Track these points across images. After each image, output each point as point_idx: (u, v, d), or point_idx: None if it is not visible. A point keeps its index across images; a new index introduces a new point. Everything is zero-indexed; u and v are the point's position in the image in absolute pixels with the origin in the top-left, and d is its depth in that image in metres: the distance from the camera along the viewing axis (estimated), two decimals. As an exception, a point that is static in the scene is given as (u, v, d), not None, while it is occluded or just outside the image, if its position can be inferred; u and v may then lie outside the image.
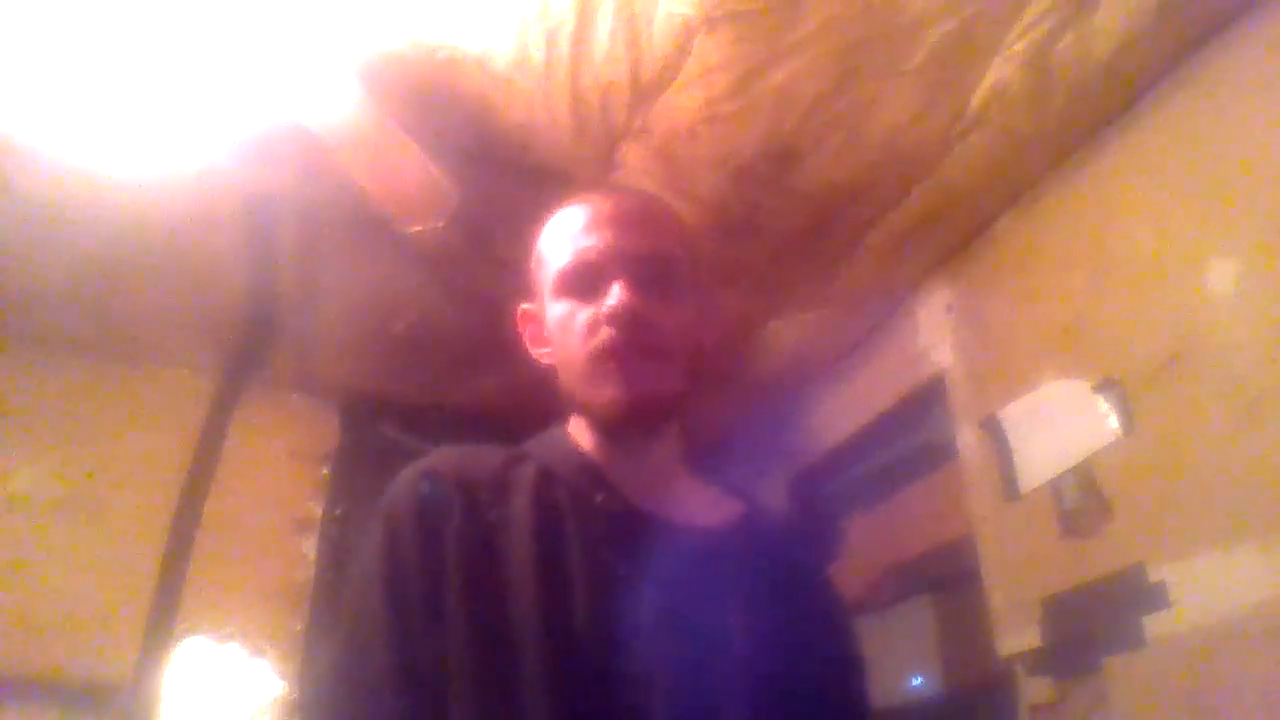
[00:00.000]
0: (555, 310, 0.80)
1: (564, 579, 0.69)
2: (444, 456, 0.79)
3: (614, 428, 0.78)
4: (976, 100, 1.43)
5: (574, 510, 0.75)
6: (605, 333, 0.75)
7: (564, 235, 0.82)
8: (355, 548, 2.15)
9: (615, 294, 0.76)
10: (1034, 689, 1.47)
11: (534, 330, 0.87)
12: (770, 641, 0.72)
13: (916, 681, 1.92)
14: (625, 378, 0.75)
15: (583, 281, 0.79)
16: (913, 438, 2.03)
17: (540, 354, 0.86)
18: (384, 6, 1.31)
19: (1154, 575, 1.28)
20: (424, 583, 0.69)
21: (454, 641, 0.66)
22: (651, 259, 0.79)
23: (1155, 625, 1.26)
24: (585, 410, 0.80)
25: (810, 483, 2.37)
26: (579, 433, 0.83)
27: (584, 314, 0.77)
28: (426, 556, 0.70)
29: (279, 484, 2.24)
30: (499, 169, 1.60)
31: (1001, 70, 1.38)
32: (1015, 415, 1.61)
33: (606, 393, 0.76)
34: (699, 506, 0.82)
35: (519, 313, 0.89)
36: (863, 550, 2.13)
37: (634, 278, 0.77)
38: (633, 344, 0.75)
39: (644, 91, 1.43)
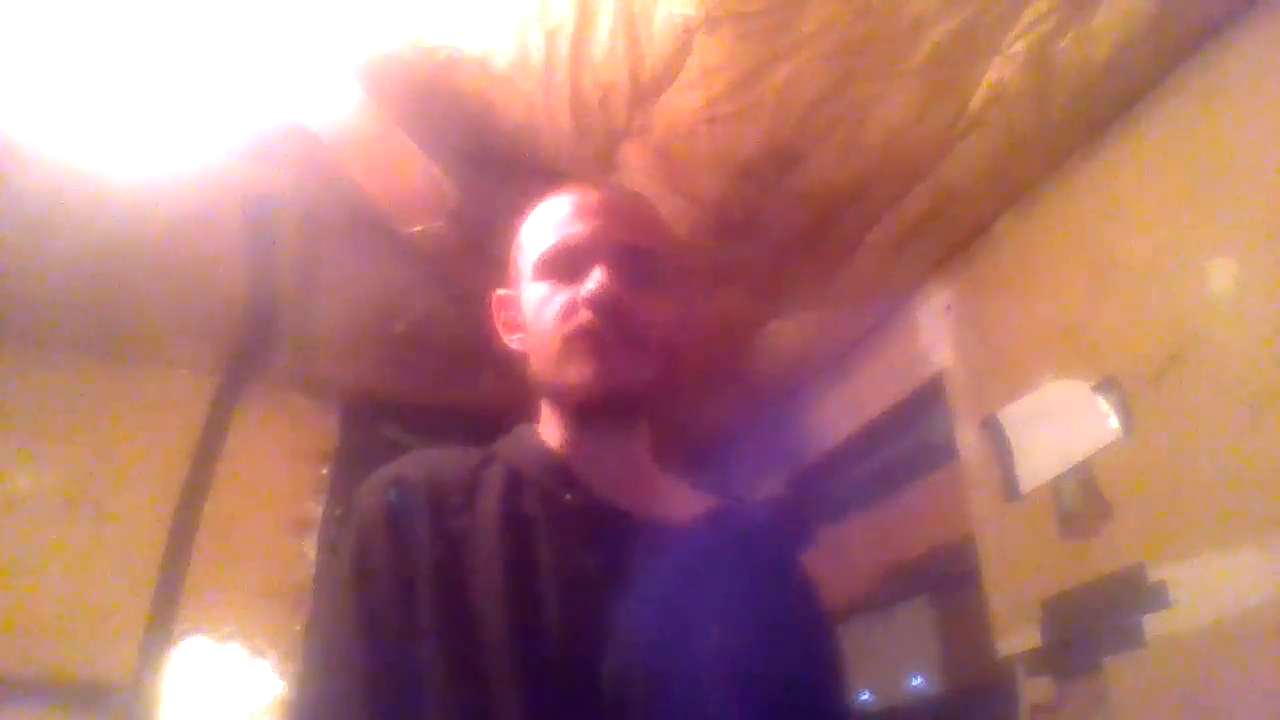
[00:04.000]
0: (533, 292, 0.80)
1: (533, 579, 0.69)
2: (411, 461, 0.79)
3: (583, 413, 0.78)
4: (976, 100, 1.43)
5: (542, 509, 0.74)
6: (583, 314, 0.75)
7: (548, 221, 0.82)
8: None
9: (596, 278, 0.75)
10: (1034, 689, 1.47)
11: (508, 315, 0.87)
12: (742, 636, 0.71)
13: (916, 681, 1.92)
14: (598, 361, 0.75)
15: (564, 264, 0.78)
16: (913, 438, 2.03)
17: (512, 340, 0.86)
18: (384, 7, 1.31)
19: (1154, 575, 1.28)
20: (393, 589, 0.69)
21: (426, 646, 0.66)
22: (634, 250, 0.79)
23: (1155, 625, 1.26)
24: (554, 395, 0.80)
25: (810, 482, 2.37)
26: (547, 429, 0.82)
27: (562, 296, 0.77)
28: (395, 563, 0.70)
29: (279, 484, 2.24)
30: (499, 169, 1.60)
31: (1001, 70, 1.38)
32: (1015, 415, 1.61)
33: (578, 374, 0.75)
34: (668, 502, 0.81)
35: (494, 298, 0.89)
36: (863, 550, 2.13)
37: (616, 265, 0.77)
38: (609, 329, 0.75)
39: (644, 91, 1.43)
